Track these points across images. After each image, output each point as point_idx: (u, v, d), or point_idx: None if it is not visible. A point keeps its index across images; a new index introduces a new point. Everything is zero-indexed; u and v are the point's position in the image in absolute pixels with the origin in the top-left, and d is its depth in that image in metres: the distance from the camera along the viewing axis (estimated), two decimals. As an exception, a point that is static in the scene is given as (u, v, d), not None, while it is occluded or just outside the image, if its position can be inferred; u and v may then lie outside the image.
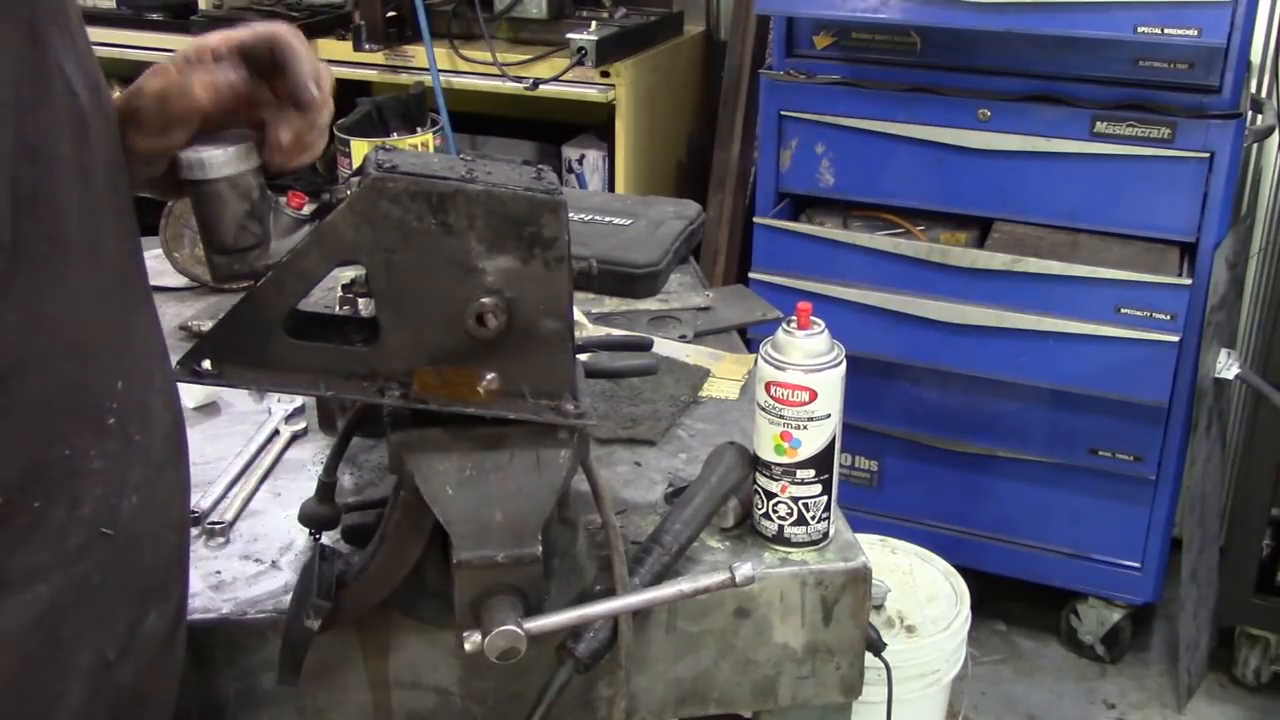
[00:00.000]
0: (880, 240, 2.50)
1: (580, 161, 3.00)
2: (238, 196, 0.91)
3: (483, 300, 0.89)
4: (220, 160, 0.91)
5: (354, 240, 0.89)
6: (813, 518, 1.12)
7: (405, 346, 0.91)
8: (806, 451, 1.11)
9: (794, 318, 1.11)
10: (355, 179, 0.90)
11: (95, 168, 0.76)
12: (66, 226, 0.72)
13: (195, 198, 0.92)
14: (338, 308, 1.31)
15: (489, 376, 0.92)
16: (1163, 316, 2.30)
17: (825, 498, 1.13)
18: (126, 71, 3.87)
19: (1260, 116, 2.48)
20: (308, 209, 0.96)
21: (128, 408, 0.76)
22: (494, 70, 2.81)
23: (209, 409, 1.37)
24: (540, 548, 0.93)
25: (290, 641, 0.97)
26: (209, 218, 0.92)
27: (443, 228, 0.88)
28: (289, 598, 1.01)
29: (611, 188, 2.91)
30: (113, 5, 3.29)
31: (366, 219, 0.88)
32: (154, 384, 0.81)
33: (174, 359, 0.88)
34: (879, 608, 1.98)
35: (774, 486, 1.12)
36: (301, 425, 1.34)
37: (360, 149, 1.75)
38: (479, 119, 3.16)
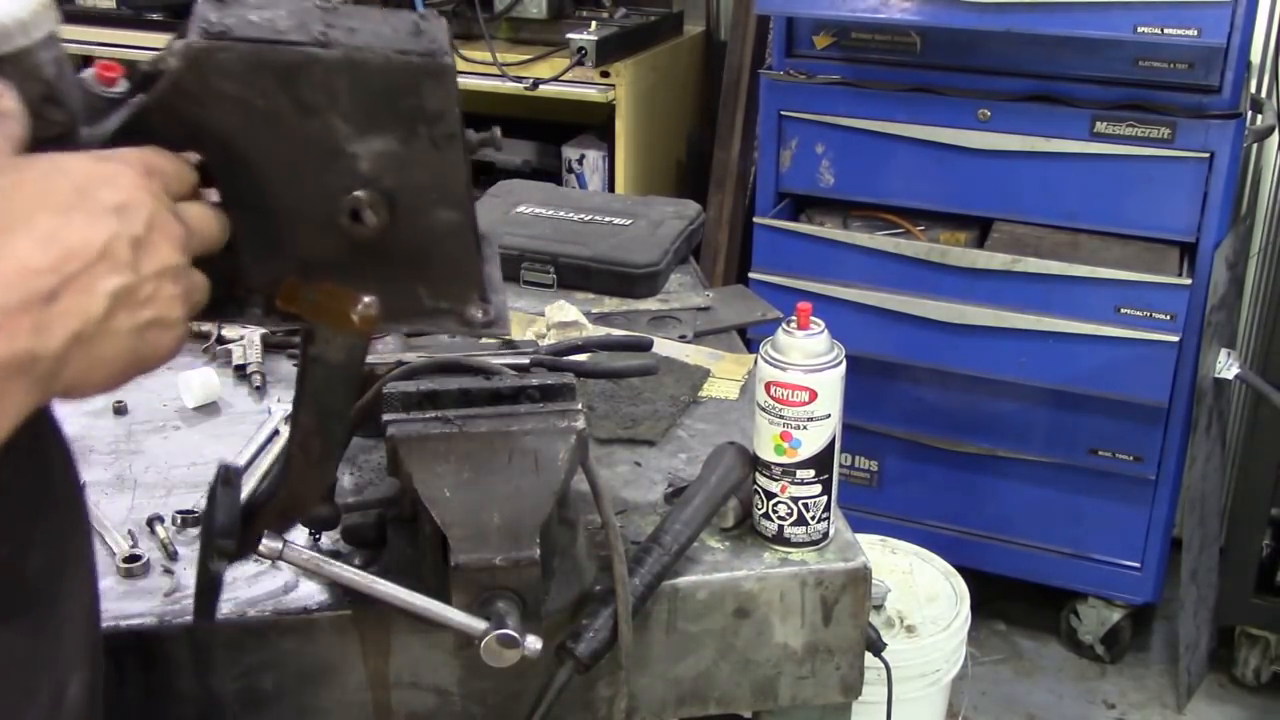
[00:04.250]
0: (880, 240, 2.50)
1: (580, 161, 3.00)
2: (25, 75, 0.70)
3: (356, 194, 0.75)
4: None
5: (180, 131, 0.73)
6: (813, 518, 1.12)
7: (265, 253, 0.78)
8: (806, 451, 1.10)
9: (794, 318, 1.11)
10: (178, 44, 0.73)
11: None
12: None
13: None
14: None
15: (365, 301, 0.77)
16: (1163, 316, 2.30)
17: (825, 498, 1.13)
18: (126, 71, 3.84)
19: (1260, 116, 2.48)
20: (123, 85, 0.77)
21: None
22: (494, 70, 2.81)
23: (209, 409, 1.37)
24: (538, 551, 0.93)
25: (200, 585, 0.91)
26: None
27: (296, 106, 0.73)
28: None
29: (611, 188, 2.91)
30: (112, 5, 3.29)
31: (195, 101, 0.73)
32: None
33: None
34: (879, 608, 1.98)
35: (774, 486, 1.12)
36: (301, 425, 1.34)
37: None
38: (479, 119, 3.13)
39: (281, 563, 0.95)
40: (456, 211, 0.79)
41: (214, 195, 0.77)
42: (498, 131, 0.88)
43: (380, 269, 0.79)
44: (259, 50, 0.72)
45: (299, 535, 1.12)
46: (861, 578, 1.12)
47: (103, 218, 0.65)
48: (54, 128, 0.72)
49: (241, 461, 1.26)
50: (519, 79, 2.80)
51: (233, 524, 0.87)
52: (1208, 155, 2.25)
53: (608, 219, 1.79)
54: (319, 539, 1.09)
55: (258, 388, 1.39)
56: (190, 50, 0.71)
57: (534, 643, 0.90)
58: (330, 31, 0.73)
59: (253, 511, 0.89)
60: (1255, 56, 2.47)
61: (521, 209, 1.81)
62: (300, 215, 0.77)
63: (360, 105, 0.74)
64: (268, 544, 0.89)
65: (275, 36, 0.72)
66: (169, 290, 0.68)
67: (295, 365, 1.01)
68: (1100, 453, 2.48)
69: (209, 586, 0.90)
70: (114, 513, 1.16)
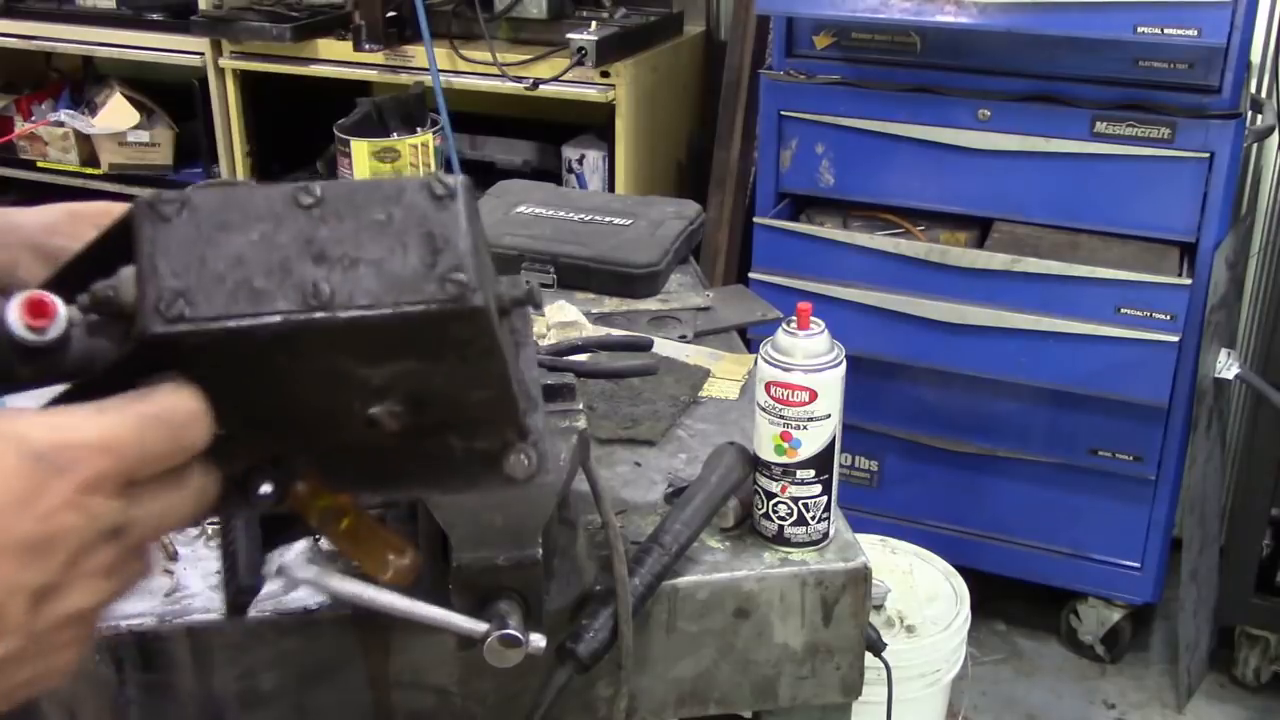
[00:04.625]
0: (880, 240, 2.50)
1: (580, 161, 3.00)
2: None
3: (371, 411, 0.64)
4: None
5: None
6: (813, 518, 1.12)
7: (264, 436, 0.66)
8: (806, 451, 1.10)
9: (794, 318, 1.11)
10: (135, 329, 0.59)
11: None
12: None
13: None
14: None
15: (404, 562, 0.70)
16: (1163, 316, 2.30)
17: (825, 498, 1.13)
18: (127, 71, 3.89)
19: (1260, 116, 2.47)
20: (60, 325, 0.60)
21: None
22: (494, 70, 2.81)
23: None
24: (540, 550, 0.93)
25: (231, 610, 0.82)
26: None
27: (290, 365, 0.61)
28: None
29: (611, 188, 2.91)
30: (112, 5, 3.29)
31: (151, 370, 0.60)
32: None
33: None
34: (879, 608, 1.98)
35: (774, 487, 1.12)
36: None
37: (360, 149, 1.75)
38: (479, 119, 3.17)
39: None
40: (492, 389, 0.67)
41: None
42: (534, 287, 0.74)
43: (403, 444, 0.68)
44: (235, 336, 0.58)
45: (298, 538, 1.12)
46: (861, 578, 1.12)
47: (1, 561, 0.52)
48: None
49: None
50: (519, 79, 2.80)
51: (255, 582, 0.78)
52: (1208, 155, 2.25)
53: (608, 219, 1.79)
54: (319, 539, 1.09)
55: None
56: (144, 338, 0.58)
57: (538, 640, 0.90)
58: (322, 280, 0.59)
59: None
60: (1255, 56, 2.47)
61: (521, 209, 1.81)
62: (309, 431, 0.66)
63: (370, 354, 0.62)
64: (288, 562, 0.88)
65: (254, 309, 0.58)
66: (71, 635, 0.56)
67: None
68: (1100, 453, 2.48)
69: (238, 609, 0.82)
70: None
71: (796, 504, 1.12)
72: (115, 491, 0.56)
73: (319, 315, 0.59)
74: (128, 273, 0.60)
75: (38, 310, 0.59)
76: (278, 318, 0.58)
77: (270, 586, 1.07)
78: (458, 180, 0.65)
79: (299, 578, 0.91)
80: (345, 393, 0.63)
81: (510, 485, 0.71)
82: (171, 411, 0.58)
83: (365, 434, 0.64)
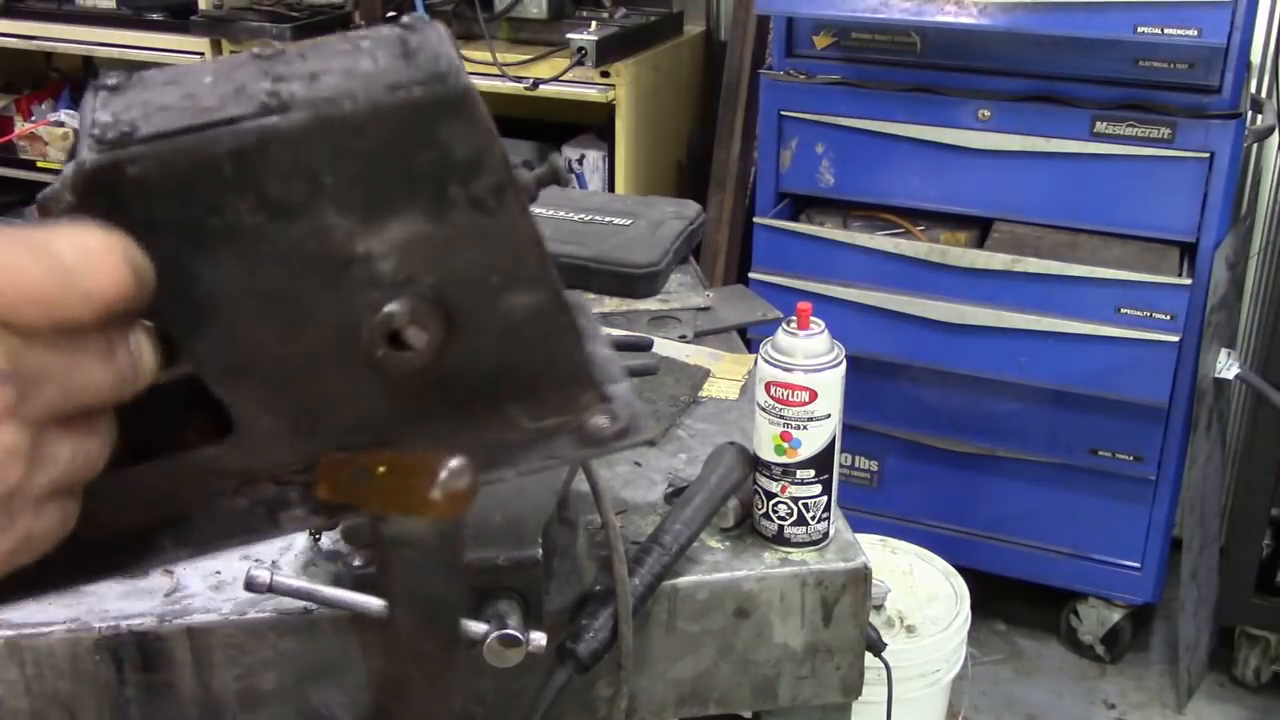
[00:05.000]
0: (880, 240, 2.50)
1: (580, 161, 3.00)
2: None
3: (387, 309, 0.51)
4: None
5: None
6: (813, 518, 1.12)
7: (278, 432, 0.53)
8: (806, 451, 1.10)
9: (794, 318, 1.11)
10: (67, 167, 0.49)
11: None
12: None
13: None
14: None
15: (450, 468, 0.52)
16: (1163, 316, 2.30)
17: (825, 498, 1.13)
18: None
19: (1260, 116, 2.47)
20: None
21: None
22: (494, 70, 2.81)
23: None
24: (540, 550, 0.93)
25: None
26: None
27: (265, 210, 0.49)
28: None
29: (611, 188, 2.91)
30: (113, 5, 3.29)
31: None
32: None
33: None
34: (879, 608, 1.98)
35: (774, 486, 1.12)
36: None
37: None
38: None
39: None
40: (535, 290, 0.54)
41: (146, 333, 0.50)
42: (559, 160, 0.63)
43: (449, 403, 0.54)
44: (186, 145, 0.48)
45: (300, 538, 1.12)
46: (861, 578, 1.12)
47: None
48: None
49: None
50: (519, 79, 2.80)
51: None
52: (1208, 155, 2.25)
53: (608, 219, 1.79)
54: (319, 539, 1.09)
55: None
56: (82, 175, 0.47)
57: (539, 638, 0.90)
58: (283, 87, 0.49)
59: None
60: (1255, 56, 2.47)
61: (521, 209, 1.81)
62: (317, 362, 0.52)
63: (356, 181, 0.50)
64: (254, 573, 0.82)
65: (205, 119, 0.48)
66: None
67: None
68: (1100, 453, 2.48)
69: None
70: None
71: (796, 504, 1.12)
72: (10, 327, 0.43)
73: (280, 118, 0.48)
74: (67, 167, 0.50)
75: None
76: (231, 128, 0.48)
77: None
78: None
79: (287, 592, 0.90)
80: (350, 285, 0.51)
81: (597, 450, 0.57)
82: (58, 241, 0.45)
83: (394, 377, 0.52)
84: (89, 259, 0.45)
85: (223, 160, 0.48)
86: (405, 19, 0.54)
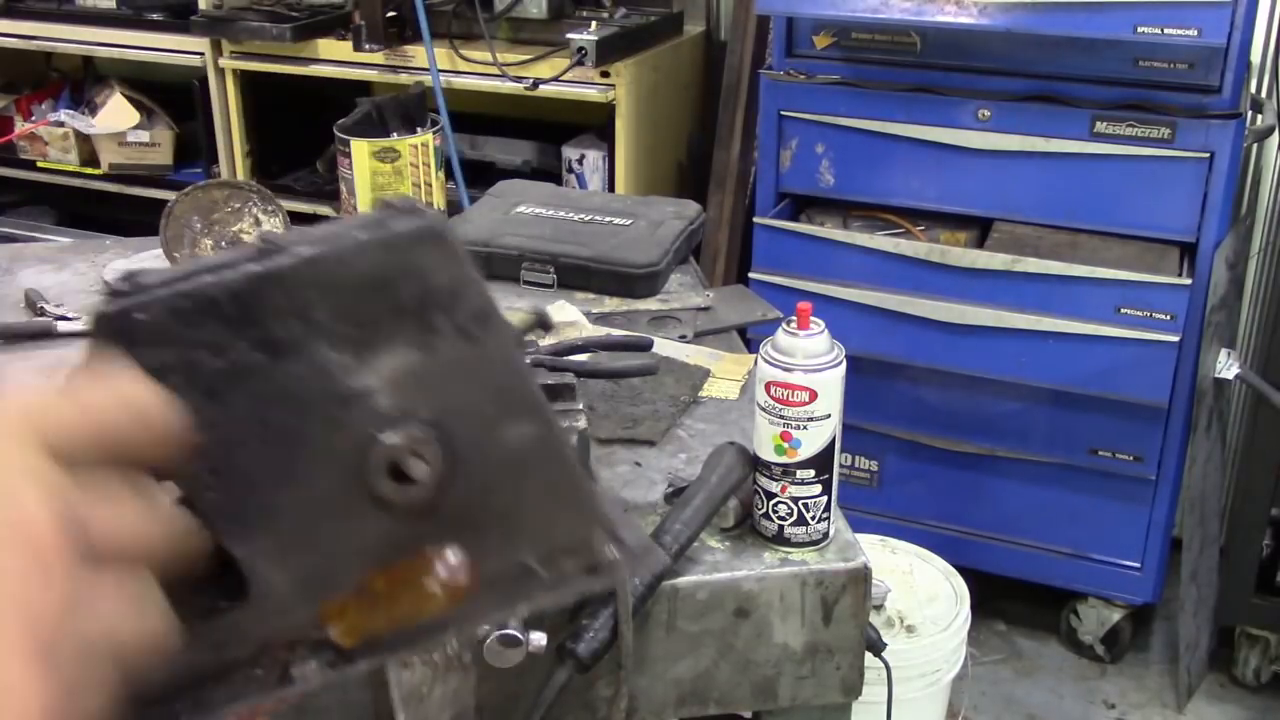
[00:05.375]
0: (880, 240, 2.50)
1: (580, 161, 3.00)
2: None
3: (386, 441, 0.53)
4: None
5: None
6: (813, 518, 1.12)
7: (297, 584, 0.54)
8: (806, 451, 1.10)
9: (794, 318, 1.11)
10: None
11: None
12: None
13: None
14: None
15: (448, 562, 0.54)
16: (1163, 316, 2.30)
17: (825, 498, 1.13)
18: (127, 71, 3.88)
19: (1260, 116, 2.48)
20: None
21: None
22: (494, 70, 2.81)
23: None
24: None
25: None
26: None
27: (264, 350, 0.52)
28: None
29: (611, 188, 2.91)
30: (113, 5, 3.29)
31: None
32: None
33: None
34: (879, 608, 1.98)
35: (774, 486, 1.12)
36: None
37: (360, 149, 1.75)
38: (479, 119, 3.17)
39: None
40: (530, 421, 0.55)
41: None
42: (548, 310, 0.62)
43: (457, 539, 0.55)
44: (188, 289, 0.51)
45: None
46: (861, 578, 1.12)
47: None
48: None
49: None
50: (519, 79, 2.80)
51: None
52: (1208, 155, 2.25)
53: (608, 219, 1.79)
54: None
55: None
56: (96, 322, 0.51)
57: (539, 638, 0.90)
58: (276, 241, 0.53)
59: None
60: (1255, 56, 2.47)
61: (521, 209, 1.81)
62: (326, 506, 0.53)
63: (346, 315, 0.52)
64: None
65: (205, 266, 0.52)
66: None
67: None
68: (1100, 453, 2.48)
69: None
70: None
71: (796, 504, 1.12)
72: (54, 457, 0.43)
73: (272, 262, 0.51)
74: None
75: None
76: (229, 271, 0.51)
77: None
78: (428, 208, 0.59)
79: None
80: (350, 420, 0.52)
81: (608, 584, 0.57)
82: (127, 385, 0.47)
83: (397, 512, 0.53)
84: (151, 393, 0.48)
85: (222, 301, 0.51)
86: (394, 200, 0.56)
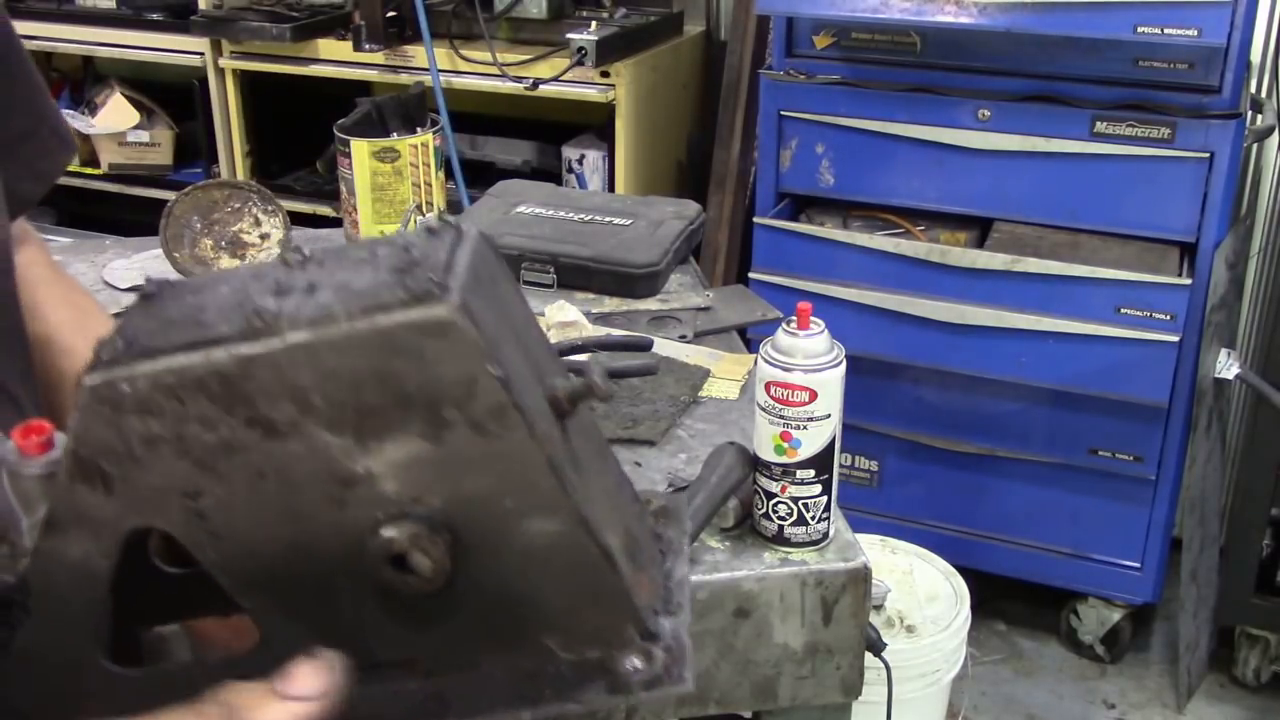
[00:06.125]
0: (880, 240, 2.50)
1: (580, 161, 3.00)
2: None
3: (385, 534, 0.51)
4: None
5: (118, 505, 0.51)
6: (813, 518, 1.12)
7: (307, 642, 0.53)
8: (806, 451, 1.10)
9: (794, 318, 1.11)
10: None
11: None
12: None
13: None
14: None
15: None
16: (1163, 316, 2.30)
17: (825, 498, 1.13)
18: (127, 71, 3.87)
19: (1260, 116, 2.47)
20: (59, 447, 0.54)
21: None
22: (494, 70, 2.81)
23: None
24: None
25: None
26: None
27: (258, 428, 0.50)
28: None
29: (611, 188, 2.91)
30: (113, 5, 3.29)
31: (121, 457, 0.50)
32: None
33: None
34: (879, 608, 1.98)
35: (774, 486, 1.12)
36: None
37: (360, 149, 1.75)
38: (479, 119, 3.17)
39: None
40: (554, 517, 0.51)
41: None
42: (596, 371, 0.56)
43: (473, 627, 0.53)
44: (174, 366, 0.49)
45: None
46: (861, 578, 1.12)
47: None
48: None
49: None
50: (519, 79, 2.80)
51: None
52: (1208, 155, 2.25)
53: (608, 219, 1.79)
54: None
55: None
56: (85, 393, 0.50)
57: None
58: (277, 304, 0.50)
59: None
60: (1255, 56, 2.47)
61: (521, 209, 1.81)
62: (330, 577, 0.52)
63: (345, 402, 0.49)
64: None
65: (191, 338, 0.49)
66: None
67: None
68: (1100, 453, 2.48)
69: None
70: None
71: (796, 504, 1.12)
72: None
73: (260, 344, 0.48)
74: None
75: (33, 434, 0.54)
76: (218, 350, 0.48)
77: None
78: (462, 221, 0.57)
79: None
80: (351, 504, 0.50)
81: (624, 695, 0.54)
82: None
83: (403, 601, 0.51)
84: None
85: (209, 380, 0.49)
86: (433, 223, 0.53)
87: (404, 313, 0.48)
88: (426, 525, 0.50)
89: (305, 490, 0.51)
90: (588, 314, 1.56)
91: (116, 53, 3.27)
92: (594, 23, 2.85)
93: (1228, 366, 2.33)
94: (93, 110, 3.42)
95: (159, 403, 0.49)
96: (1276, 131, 2.53)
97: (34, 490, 0.55)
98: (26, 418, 0.56)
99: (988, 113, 2.38)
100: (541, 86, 2.79)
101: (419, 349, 0.48)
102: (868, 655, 1.16)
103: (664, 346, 1.48)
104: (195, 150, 3.35)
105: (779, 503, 1.12)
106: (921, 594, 2.09)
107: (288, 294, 0.50)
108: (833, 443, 1.11)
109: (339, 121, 1.80)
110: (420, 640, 0.54)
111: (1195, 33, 2.10)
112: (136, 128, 3.38)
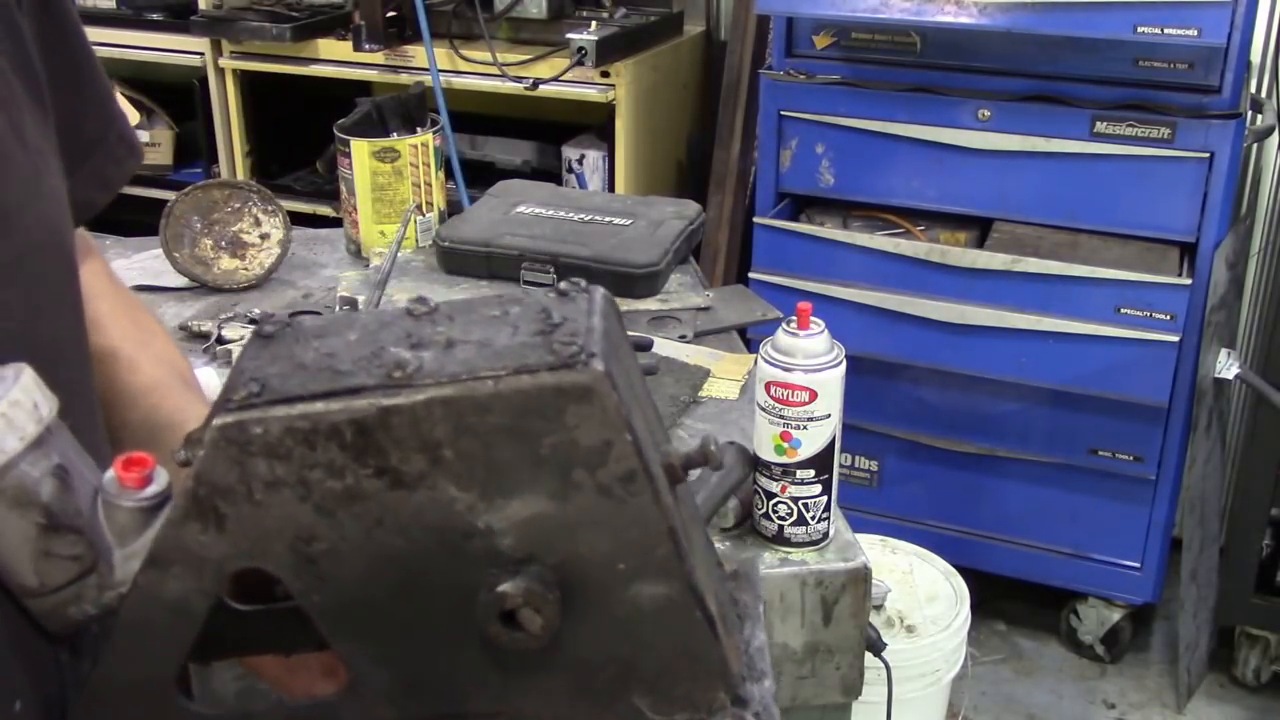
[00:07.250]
0: (880, 240, 2.50)
1: (580, 161, 3.00)
2: (10, 501, 0.52)
3: (500, 588, 0.52)
4: None
5: (233, 544, 0.52)
6: (813, 518, 1.12)
7: (396, 687, 0.54)
8: (806, 451, 1.10)
9: (794, 318, 1.11)
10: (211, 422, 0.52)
11: None
12: None
13: None
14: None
15: None
16: (1163, 316, 2.30)
17: (825, 498, 1.13)
18: (126, 71, 3.88)
19: (1260, 116, 2.47)
20: (158, 483, 0.57)
21: None
22: (494, 70, 2.81)
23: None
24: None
25: None
26: None
27: (386, 477, 0.51)
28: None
29: (611, 188, 2.91)
30: (113, 5, 3.29)
31: (240, 498, 0.51)
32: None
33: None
34: (879, 608, 1.98)
35: (774, 486, 1.12)
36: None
37: (360, 149, 1.75)
38: (479, 119, 3.17)
39: None
40: (666, 581, 0.52)
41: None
42: (711, 440, 0.58)
43: (568, 684, 0.54)
44: (311, 413, 0.49)
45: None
46: (861, 578, 1.12)
47: None
48: (69, 567, 0.53)
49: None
50: (519, 79, 2.80)
51: None
52: (1208, 155, 2.25)
53: (608, 219, 1.79)
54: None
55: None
56: (214, 433, 0.50)
57: None
58: (415, 356, 0.51)
59: None
60: (1255, 56, 2.47)
61: (521, 209, 1.81)
62: (431, 627, 0.53)
63: (478, 458, 0.50)
64: None
65: (329, 386, 0.50)
66: None
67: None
68: (1100, 453, 2.48)
69: None
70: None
71: (796, 504, 1.12)
72: None
73: (401, 396, 0.49)
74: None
75: (136, 468, 0.56)
76: (358, 399, 0.49)
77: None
78: (596, 289, 0.58)
79: None
80: (467, 556, 0.51)
81: None
82: None
83: (505, 654, 0.52)
84: None
85: (344, 428, 0.50)
86: (564, 285, 0.54)
87: (551, 376, 0.49)
88: (540, 582, 0.51)
89: (421, 541, 0.51)
90: (588, 314, 1.55)
91: (116, 52, 3.27)
92: (594, 23, 2.85)
93: (1228, 366, 2.33)
94: (93, 110, 3.41)
95: (288, 447, 0.50)
96: (1276, 131, 2.53)
97: (128, 522, 0.55)
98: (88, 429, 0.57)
99: (988, 113, 2.38)
100: (541, 86, 2.79)
101: (560, 411, 0.50)
102: (868, 655, 1.16)
103: (664, 346, 1.48)
104: (195, 150, 3.35)
105: (779, 502, 1.12)
106: (921, 594, 2.09)
107: (424, 347, 0.51)
108: (833, 443, 1.11)
109: (339, 121, 1.80)
110: (513, 694, 0.54)
111: (1195, 33, 2.10)
112: (136, 127, 3.36)
